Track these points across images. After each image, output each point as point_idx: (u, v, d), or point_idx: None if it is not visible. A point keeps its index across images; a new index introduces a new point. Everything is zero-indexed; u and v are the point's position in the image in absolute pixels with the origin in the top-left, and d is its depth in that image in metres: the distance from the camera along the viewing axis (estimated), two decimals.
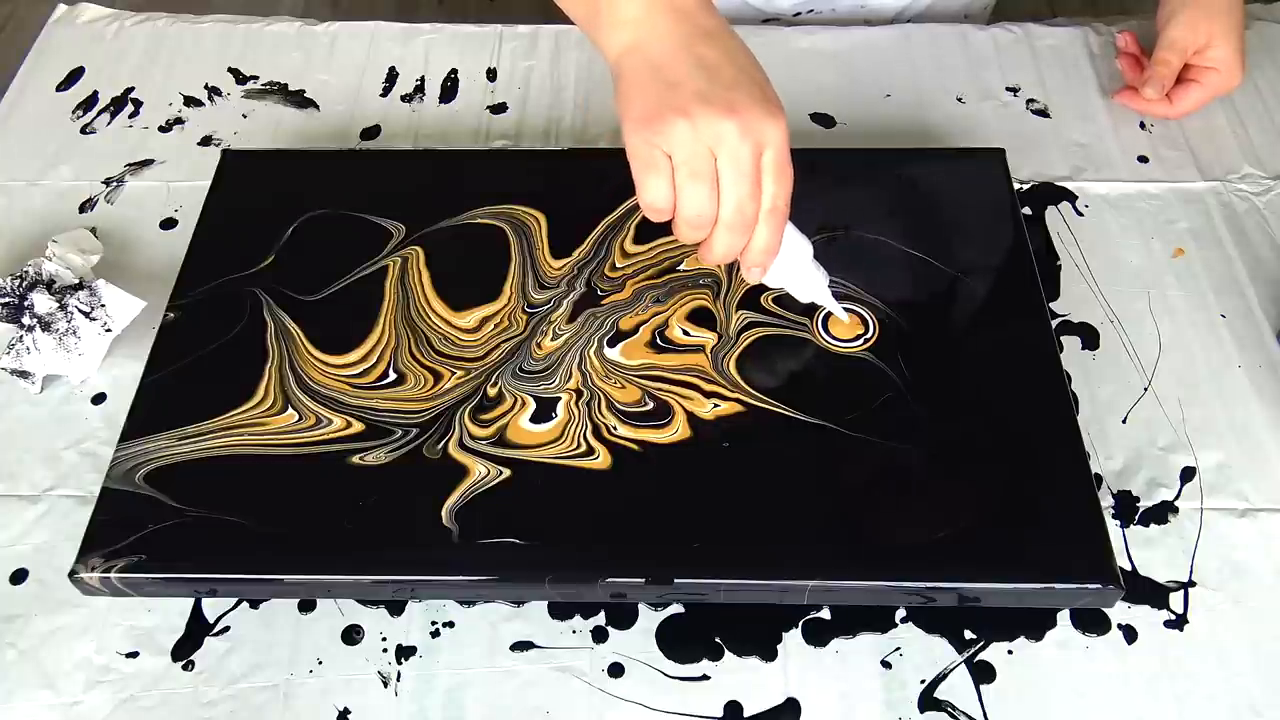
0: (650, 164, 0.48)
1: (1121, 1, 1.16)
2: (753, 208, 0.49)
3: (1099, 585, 0.48)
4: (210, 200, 0.64)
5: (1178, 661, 0.50)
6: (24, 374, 0.59)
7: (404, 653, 0.51)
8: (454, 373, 0.55)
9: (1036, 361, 0.55)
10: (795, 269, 0.54)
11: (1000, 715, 0.48)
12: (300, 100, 0.76)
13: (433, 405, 0.54)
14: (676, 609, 0.52)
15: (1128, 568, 0.52)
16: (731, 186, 0.48)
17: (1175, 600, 0.51)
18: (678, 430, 0.52)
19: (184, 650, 0.51)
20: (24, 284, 0.60)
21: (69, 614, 0.52)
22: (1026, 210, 0.67)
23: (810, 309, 0.57)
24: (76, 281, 0.60)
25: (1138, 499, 0.55)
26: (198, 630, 0.51)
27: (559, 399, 0.54)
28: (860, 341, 0.56)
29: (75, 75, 0.77)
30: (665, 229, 0.61)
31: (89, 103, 0.76)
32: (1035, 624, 0.51)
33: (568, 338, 0.56)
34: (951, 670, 0.50)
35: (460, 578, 0.49)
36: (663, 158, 0.48)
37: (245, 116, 0.75)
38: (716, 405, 0.53)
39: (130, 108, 0.75)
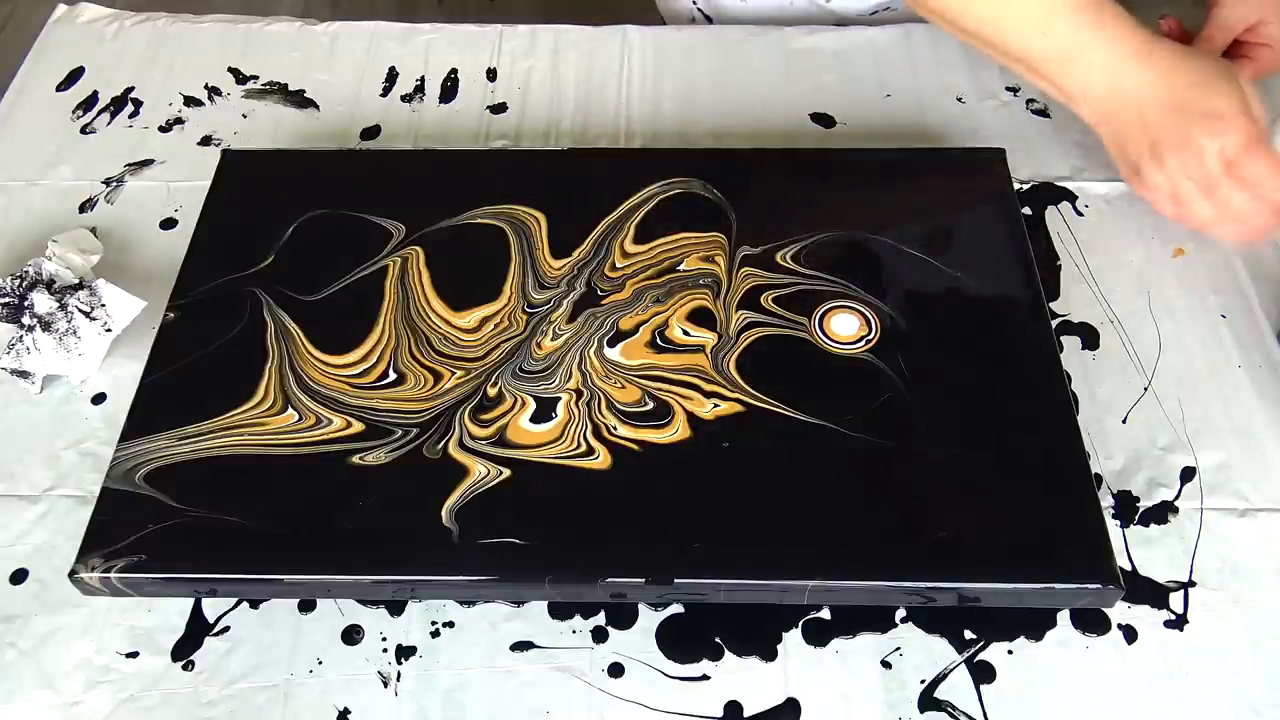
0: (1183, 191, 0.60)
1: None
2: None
3: (1099, 585, 0.48)
4: (210, 200, 0.64)
5: (1178, 661, 0.50)
6: (24, 374, 0.59)
7: (404, 653, 0.51)
8: (454, 373, 0.55)
9: (1036, 361, 0.55)
10: None
11: (1000, 715, 0.48)
12: (300, 100, 0.76)
13: (433, 405, 0.54)
14: (676, 609, 0.52)
15: (1128, 568, 0.52)
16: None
17: (1175, 600, 0.51)
18: (678, 430, 0.52)
19: (184, 650, 0.51)
20: (24, 284, 0.60)
21: (69, 614, 0.52)
22: (1026, 210, 0.67)
23: (809, 308, 0.57)
24: (76, 281, 0.60)
25: (1138, 499, 0.55)
26: (198, 630, 0.51)
27: (559, 399, 0.54)
28: (862, 343, 0.56)
29: (75, 75, 0.77)
30: (665, 229, 0.61)
31: (89, 103, 0.76)
32: (1035, 624, 0.51)
33: (568, 338, 0.56)
34: (951, 670, 0.50)
35: (460, 578, 0.49)
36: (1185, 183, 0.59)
37: (245, 116, 0.75)
38: (716, 405, 0.53)
39: (130, 108, 0.75)
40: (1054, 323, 0.61)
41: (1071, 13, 0.59)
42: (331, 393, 0.54)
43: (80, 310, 0.59)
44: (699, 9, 0.86)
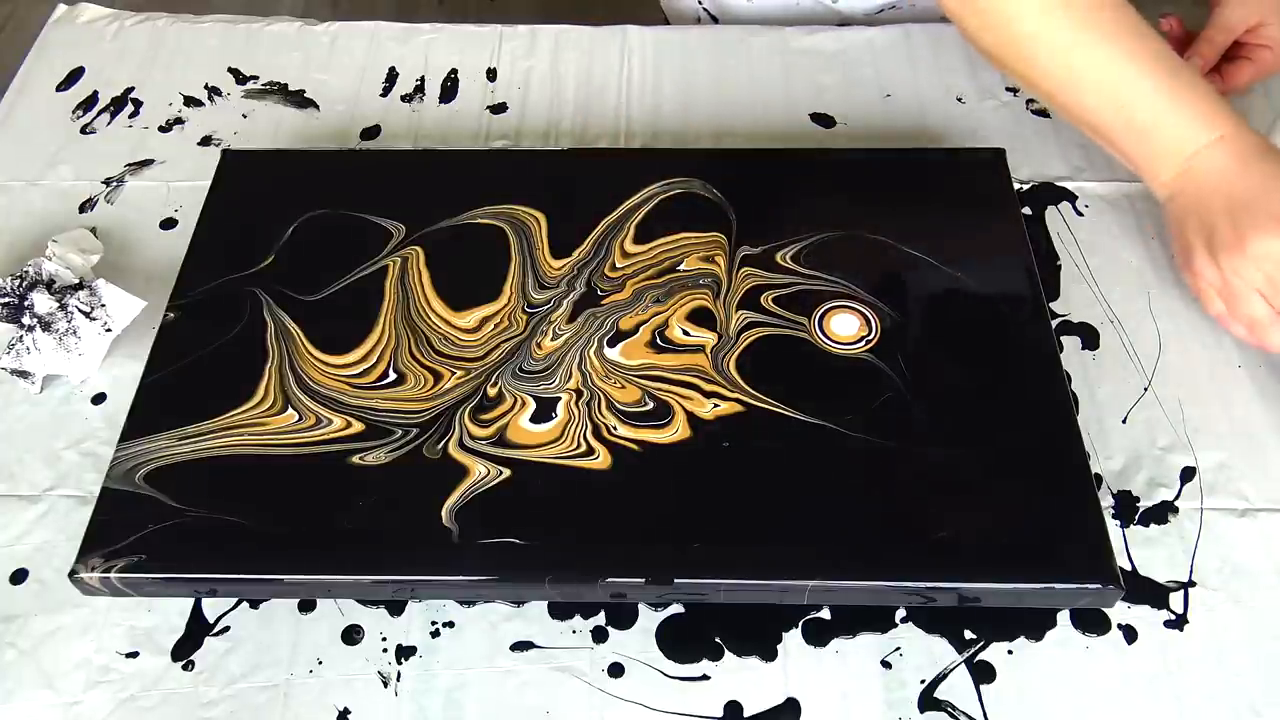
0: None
1: None
2: None
3: (1099, 585, 0.48)
4: (210, 200, 0.64)
5: (1178, 661, 0.50)
6: (24, 374, 0.59)
7: (404, 653, 0.51)
8: (454, 373, 0.55)
9: (1036, 361, 0.55)
10: None
11: (1000, 715, 0.48)
12: (300, 100, 0.76)
13: (433, 405, 0.54)
14: (676, 609, 0.52)
15: (1128, 568, 0.52)
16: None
17: (1175, 600, 0.51)
18: (678, 430, 0.52)
19: (184, 650, 0.51)
20: (24, 284, 0.60)
21: (69, 614, 0.52)
22: (1026, 210, 0.67)
23: (809, 308, 0.57)
24: (76, 281, 0.60)
25: (1138, 499, 0.55)
26: (198, 630, 0.51)
27: (559, 399, 0.54)
28: (862, 343, 0.56)
29: (75, 75, 0.77)
30: (665, 229, 0.61)
31: (89, 103, 0.76)
32: (1035, 624, 0.51)
33: (568, 338, 0.56)
34: (951, 670, 0.50)
35: (460, 578, 0.49)
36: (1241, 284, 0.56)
37: (245, 116, 0.75)
38: (716, 405, 0.53)
39: (130, 108, 0.75)
40: (1054, 323, 0.61)
41: (1149, 86, 0.56)
42: (331, 393, 0.54)
43: (80, 310, 0.59)
44: (705, 9, 0.86)
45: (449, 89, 0.76)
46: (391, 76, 0.77)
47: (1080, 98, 0.59)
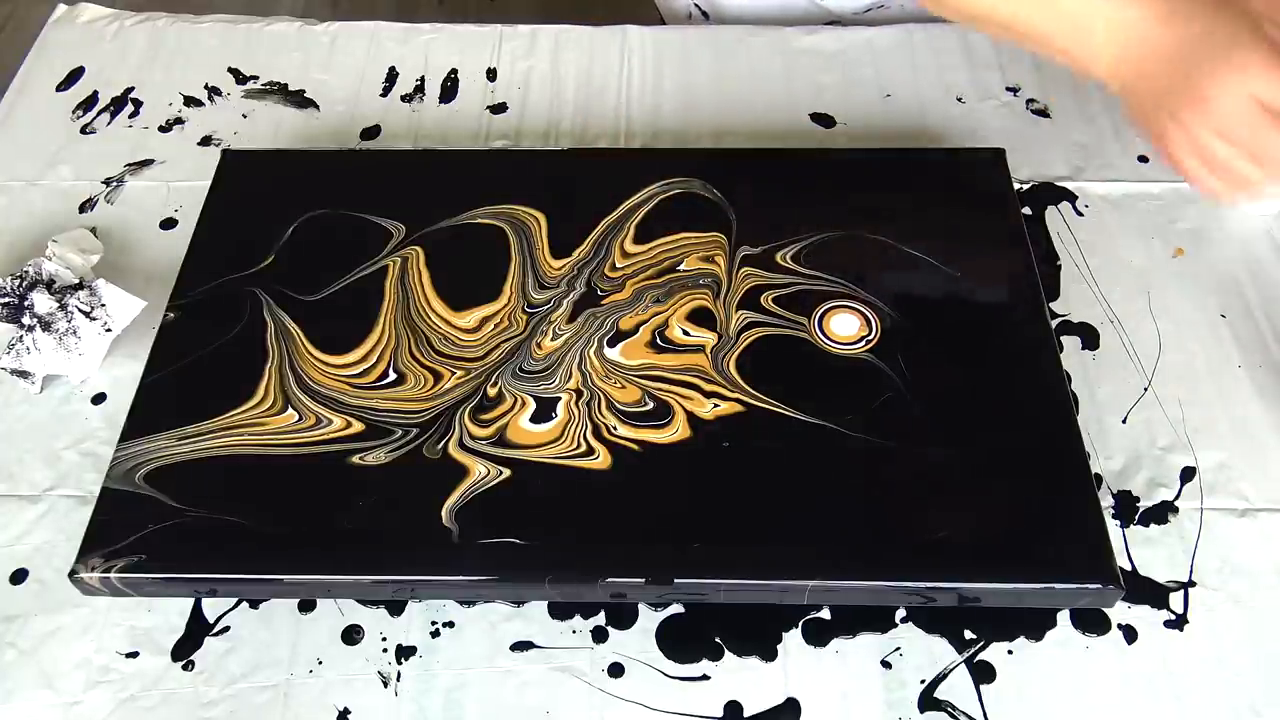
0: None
1: None
2: None
3: (1099, 585, 0.48)
4: (210, 200, 0.64)
5: (1178, 661, 0.50)
6: (24, 374, 0.59)
7: (404, 653, 0.51)
8: (454, 373, 0.55)
9: (1036, 361, 0.55)
10: None
11: (1000, 715, 0.48)
12: (300, 100, 0.76)
13: (433, 405, 0.54)
14: (676, 609, 0.52)
15: (1128, 568, 0.52)
16: None
17: (1175, 600, 0.51)
18: (678, 430, 0.52)
19: (184, 650, 0.51)
20: (24, 284, 0.60)
21: (69, 614, 0.52)
22: (1026, 210, 0.67)
23: (809, 308, 0.57)
24: (76, 281, 0.60)
25: (1138, 499, 0.55)
26: (198, 630, 0.51)
27: (559, 399, 0.54)
28: (862, 343, 0.56)
29: (75, 75, 0.77)
30: (665, 229, 0.61)
31: (89, 103, 0.76)
32: (1035, 624, 0.51)
33: (568, 338, 0.56)
34: (951, 670, 0.50)
35: (460, 578, 0.49)
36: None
37: (245, 116, 0.75)
38: (716, 405, 0.53)
39: (130, 108, 0.75)
40: (1054, 323, 0.61)
41: None
42: (331, 393, 0.54)
43: (80, 310, 0.59)
44: (697, 5, 0.86)
45: (449, 89, 0.76)
46: (391, 76, 0.77)
47: (1012, 7, 0.57)
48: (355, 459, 0.52)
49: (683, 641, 0.51)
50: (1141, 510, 0.54)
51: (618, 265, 0.60)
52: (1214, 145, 0.52)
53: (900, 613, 0.51)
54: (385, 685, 0.50)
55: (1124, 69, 0.56)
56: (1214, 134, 0.52)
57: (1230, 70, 0.50)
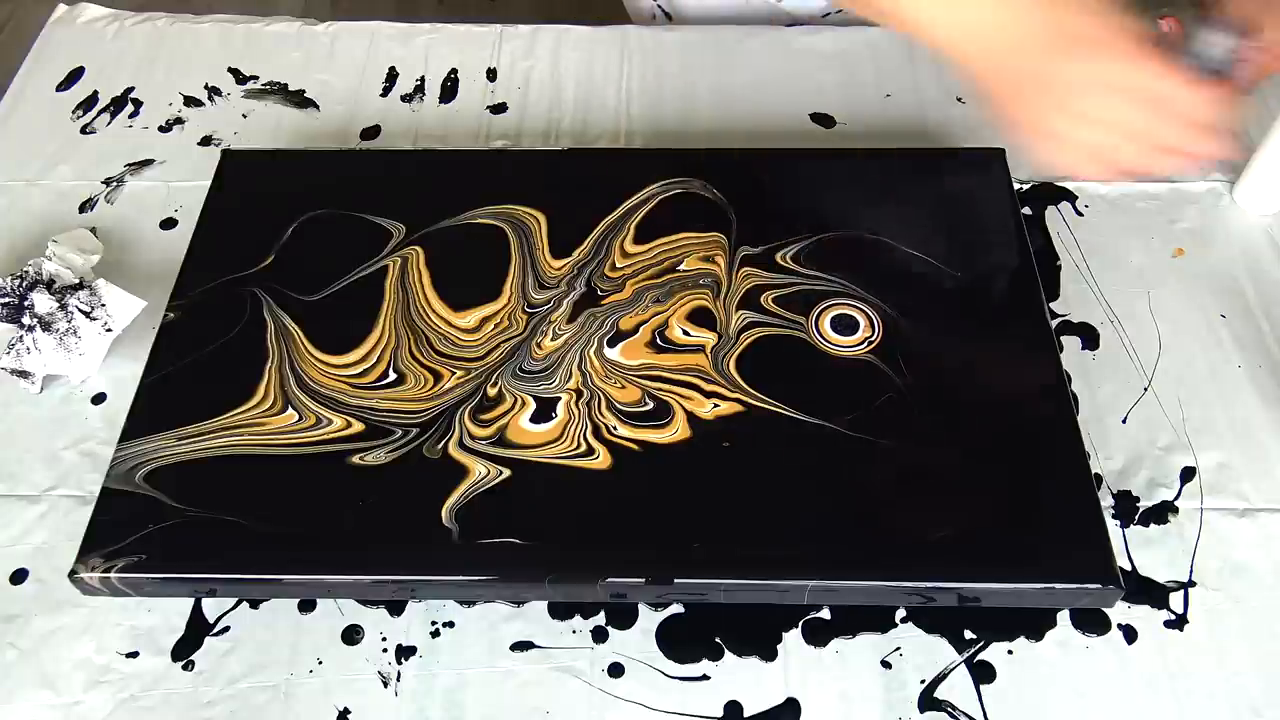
0: None
1: None
2: None
3: (1099, 585, 0.48)
4: (210, 200, 0.64)
5: (1178, 661, 0.50)
6: (24, 374, 0.59)
7: (404, 653, 0.51)
8: (454, 373, 0.55)
9: (1036, 361, 0.55)
10: None
11: (1000, 715, 0.48)
12: (300, 100, 0.76)
13: (433, 405, 0.54)
14: (676, 609, 0.52)
15: (1128, 568, 0.52)
16: None
17: (1175, 600, 0.51)
18: (678, 430, 0.52)
19: (184, 650, 0.51)
20: (24, 284, 0.60)
21: (69, 614, 0.52)
22: (1026, 210, 0.67)
23: (809, 309, 0.57)
24: (76, 281, 0.60)
25: (1138, 499, 0.55)
26: (198, 630, 0.51)
27: (559, 399, 0.54)
28: (863, 344, 0.56)
29: (75, 75, 0.77)
30: (665, 229, 0.61)
31: (89, 103, 0.76)
32: (1035, 624, 0.51)
33: (568, 338, 0.56)
34: (951, 670, 0.50)
35: (460, 578, 0.49)
36: None
37: (245, 116, 0.75)
38: (716, 405, 0.53)
39: (130, 108, 0.75)
40: (1054, 323, 0.61)
41: None
42: (331, 393, 0.54)
43: (80, 310, 0.59)
44: (659, 6, 0.86)
45: (449, 89, 0.76)
46: (391, 76, 0.77)
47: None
48: (355, 459, 0.52)
49: (683, 641, 0.51)
50: (1141, 510, 0.54)
51: (618, 265, 0.60)
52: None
53: (900, 613, 0.51)
54: (385, 685, 0.50)
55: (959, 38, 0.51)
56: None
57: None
